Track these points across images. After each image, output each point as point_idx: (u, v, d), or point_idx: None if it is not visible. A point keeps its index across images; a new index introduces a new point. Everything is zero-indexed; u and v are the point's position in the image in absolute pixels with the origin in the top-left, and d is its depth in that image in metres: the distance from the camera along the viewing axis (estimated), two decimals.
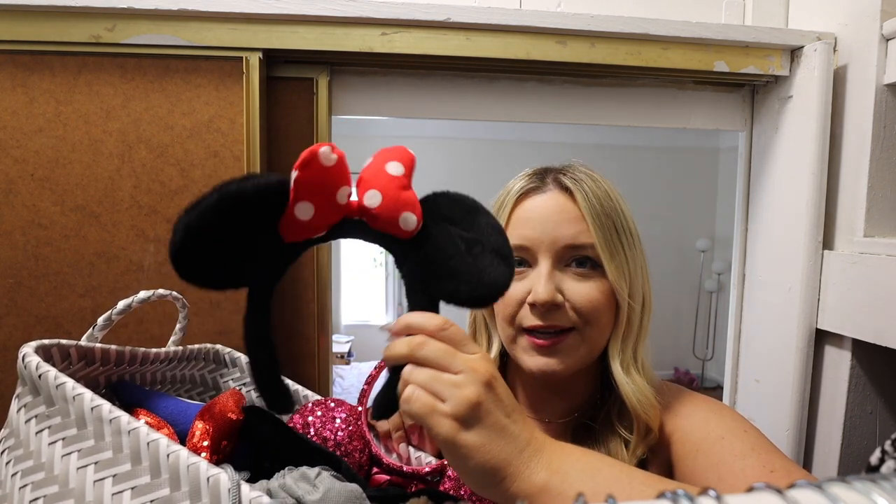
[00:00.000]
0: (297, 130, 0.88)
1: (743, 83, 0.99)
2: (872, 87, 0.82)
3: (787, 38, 0.89)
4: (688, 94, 1.00)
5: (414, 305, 0.40)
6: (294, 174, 0.34)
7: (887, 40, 0.81)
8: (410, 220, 0.38)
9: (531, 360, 0.52)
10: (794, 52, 0.91)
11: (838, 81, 0.88)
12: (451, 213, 0.40)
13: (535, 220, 0.52)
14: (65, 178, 0.79)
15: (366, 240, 0.39)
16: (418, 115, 0.95)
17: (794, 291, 0.91)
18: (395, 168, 0.38)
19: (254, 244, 0.36)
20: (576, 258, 0.51)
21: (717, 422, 0.49)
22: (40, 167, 0.79)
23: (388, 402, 0.38)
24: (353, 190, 0.38)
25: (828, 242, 0.90)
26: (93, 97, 0.79)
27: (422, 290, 0.40)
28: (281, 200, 0.35)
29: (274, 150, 0.87)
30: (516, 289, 0.52)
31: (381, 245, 0.40)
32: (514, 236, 0.53)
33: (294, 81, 0.87)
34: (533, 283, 0.51)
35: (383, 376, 0.41)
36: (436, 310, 0.40)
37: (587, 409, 0.57)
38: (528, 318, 0.51)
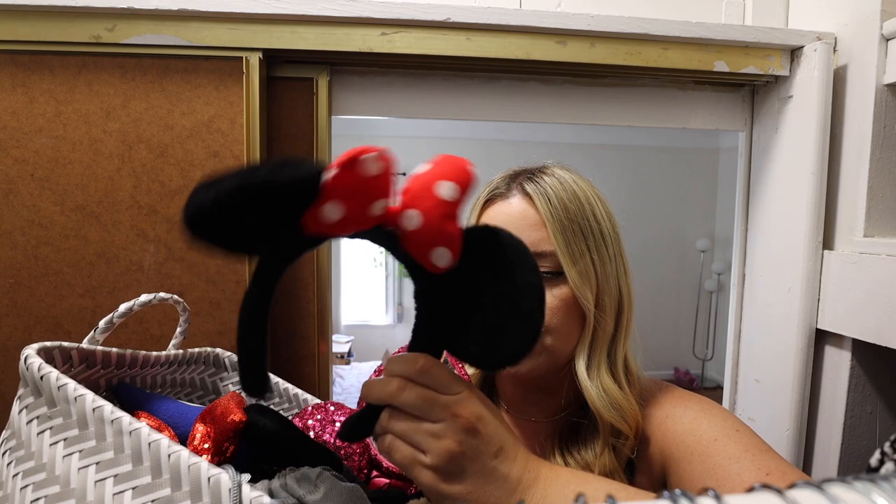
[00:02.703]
0: (297, 130, 0.88)
1: (743, 83, 0.99)
2: (872, 87, 0.82)
3: (787, 38, 0.89)
4: (688, 94, 1.00)
5: (414, 346, 0.37)
6: (331, 172, 0.31)
7: (887, 40, 0.81)
8: (444, 256, 0.34)
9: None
10: (794, 52, 0.92)
11: (838, 81, 0.88)
12: (493, 259, 0.35)
13: (502, 225, 0.52)
14: (65, 178, 0.79)
15: (392, 254, 0.36)
16: (418, 115, 0.95)
17: (794, 291, 0.91)
18: (447, 190, 0.33)
19: (273, 229, 0.33)
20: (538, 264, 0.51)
21: (708, 423, 0.49)
22: (40, 167, 0.79)
23: (359, 431, 0.37)
24: (395, 199, 0.34)
25: (828, 242, 0.90)
26: (93, 97, 0.79)
27: (429, 334, 0.37)
28: (311, 193, 0.31)
29: (274, 150, 0.87)
30: None
31: (406, 266, 0.36)
32: None
33: (294, 81, 0.87)
34: None
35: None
36: (438, 355, 0.37)
37: (574, 408, 0.57)
38: None
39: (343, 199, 0.31)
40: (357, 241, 0.36)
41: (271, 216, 0.32)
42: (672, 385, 0.57)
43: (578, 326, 0.53)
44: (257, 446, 0.43)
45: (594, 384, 0.52)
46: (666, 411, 0.52)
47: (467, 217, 0.55)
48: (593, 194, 0.54)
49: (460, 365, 0.58)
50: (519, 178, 0.54)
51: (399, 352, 0.42)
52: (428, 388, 0.35)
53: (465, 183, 0.34)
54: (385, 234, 0.34)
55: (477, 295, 0.35)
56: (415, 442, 0.34)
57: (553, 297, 0.50)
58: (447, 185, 0.33)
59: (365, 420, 0.36)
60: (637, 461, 0.52)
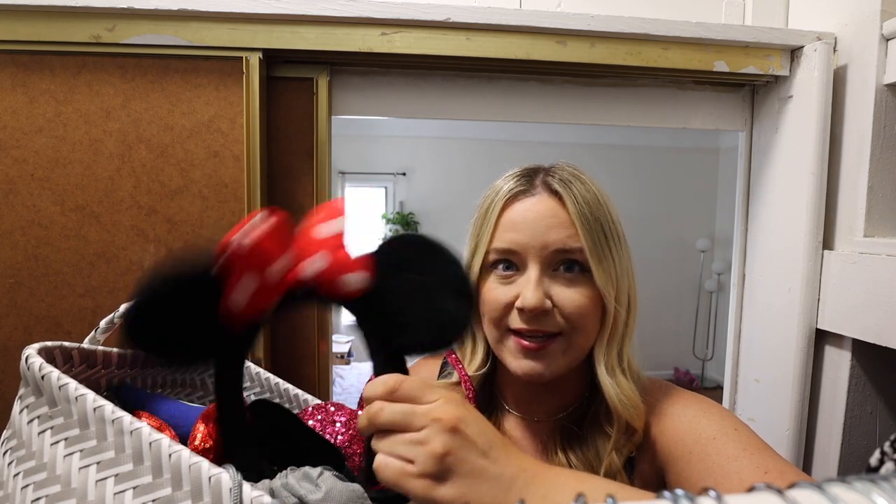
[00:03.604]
0: (297, 130, 0.88)
1: (743, 83, 0.99)
2: (872, 87, 0.82)
3: (787, 38, 0.89)
4: (688, 94, 1.00)
5: (377, 368, 0.39)
6: (218, 263, 0.33)
7: (887, 40, 0.81)
8: (354, 280, 0.37)
9: (517, 364, 0.52)
10: (794, 52, 0.92)
11: (838, 81, 0.88)
12: (405, 259, 0.38)
13: (525, 224, 0.52)
14: (65, 178, 0.79)
15: (322, 306, 0.39)
16: (418, 115, 0.95)
17: (794, 291, 0.91)
18: (326, 229, 0.36)
19: (199, 331, 0.35)
20: (564, 263, 0.52)
21: (707, 422, 0.49)
22: (40, 167, 0.79)
23: (371, 472, 0.38)
24: (288, 262, 0.36)
25: (828, 242, 0.90)
26: (93, 97, 0.79)
27: (383, 349, 0.39)
28: (212, 288, 0.33)
29: (274, 150, 0.87)
30: (505, 293, 0.52)
31: (340, 306, 0.39)
32: (503, 240, 0.53)
33: (294, 81, 0.87)
34: (521, 289, 0.51)
35: None
36: (402, 366, 0.39)
37: (575, 407, 0.57)
38: (516, 321, 0.51)
39: (239, 282, 0.33)
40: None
41: (186, 316, 0.34)
42: (670, 384, 0.57)
43: (599, 324, 0.53)
44: (261, 443, 0.43)
45: (612, 381, 0.52)
46: (665, 410, 0.53)
47: (485, 216, 0.55)
48: (607, 196, 0.55)
49: (461, 366, 0.58)
50: (539, 176, 0.54)
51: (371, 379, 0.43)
52: (404, 403, 0.36)
53: (338, 216, 0.38)
54: (301, 294, 0.37)
55: (404, 296, 0.38)
56: (401, 455, 0.34)
57: (581, 295, 0.51)
58: (324, 225, 0.37)
59: (369, 457, 0.38)
60: (636, 460, 0.52)
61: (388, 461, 0.35)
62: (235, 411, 0.37)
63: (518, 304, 0.51)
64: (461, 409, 0.36)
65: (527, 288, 0.50)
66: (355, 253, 0.37)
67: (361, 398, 0.57)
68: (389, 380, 0.37)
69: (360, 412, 0.57)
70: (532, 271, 0.51)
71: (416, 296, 0.38)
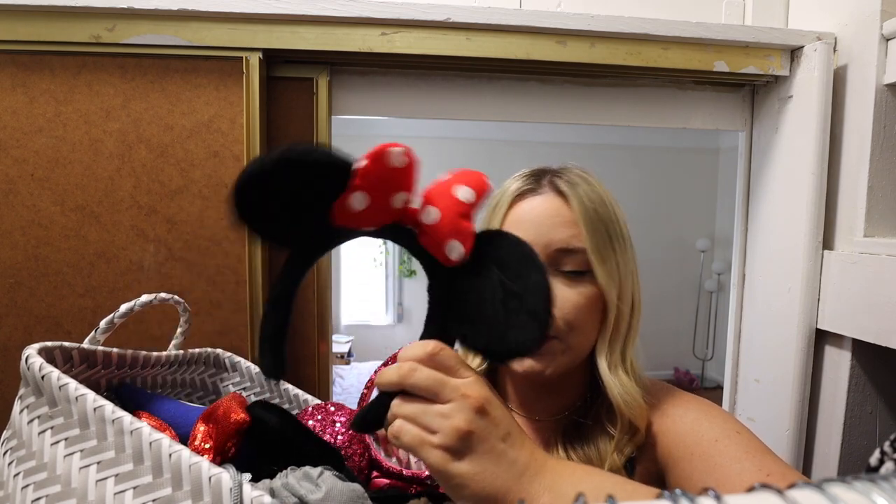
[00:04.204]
0: (297, 130, 0.88)
1: (743, 83, 0.99)
2: (872, 87, 0.82)
3: (787, 38, 0.89)
4: (688, 94, 1.00)
5: (427, 334, 0.39)
6: (361, 162, 0.34)
7: (887, 40, 0.81)
8: (457, 249, 0.37)
9: (517, 362, 0.52)
10: (794, 52, 0.92)
11: (838, 81, 0.88)
12: (503, 258, 0.38)
13: (530, 222, 0.53)
14: (65, 178, 0.79)
15: (409, 251, 0.38)
16: (418, 115, 0.95)
17: (794, 291, 0.91)
18: (464, 193, 0.37)
19: (304, 213, 0.35)
20: (567, 262, 0.52)
21: (709, 423, 0.49)
22: (40, 167, 0.79)
23: (372, 420, 0.38)
24: (416, 199, 0.37)
25: (828, 242, 0.90)
26: (93, 97, 0.79)
27: (441, 324, 0.38)
28: (340, 182, 0.34)
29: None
30: None
31: (421, 262, 0.39)
32: None
33: (294, 81, 0.87)
34: None
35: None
36: (450, 344, 0.39)
37: (578, 407, 0.57)
38: None
39: (369, 189, 0.34)
40: (376, 239, 0.39)
41: (304, 197, 0.34)
42: (671, 385, 0.58)
43: (599, 324, 0.54)
44: (261, 444, 0.43)
45: (615, 380, 0.52)
46: (666, 411, 0.53)
47: (492, 214, 0.56)
48: (613, 198, 0.56)
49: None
50: (547, 177, 0.55)
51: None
52: (438, 371, 0.36)
53: (480, 189, 0.38)
54: (403, 231, 0.37)
55: (486, 290, 0.37)
56: (424, 423, 0.34)
57: (580, 294, 0.51)
58: (464, 188, 0.37)
59: (376, 409, 0.37)
60: (636, 460, 0.52)
61: (408, 427, 0.35)
62: (284, 306, 0.37)
63: None
64: (488, 391, 0.36)
65: None
66: (471, 227, 0.38)
67: (362, 397, 0.57)
68: (430, 344, 0.36)
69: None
70: None
71: (496, 296, 0.37)
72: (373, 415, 0.37)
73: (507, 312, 0.37)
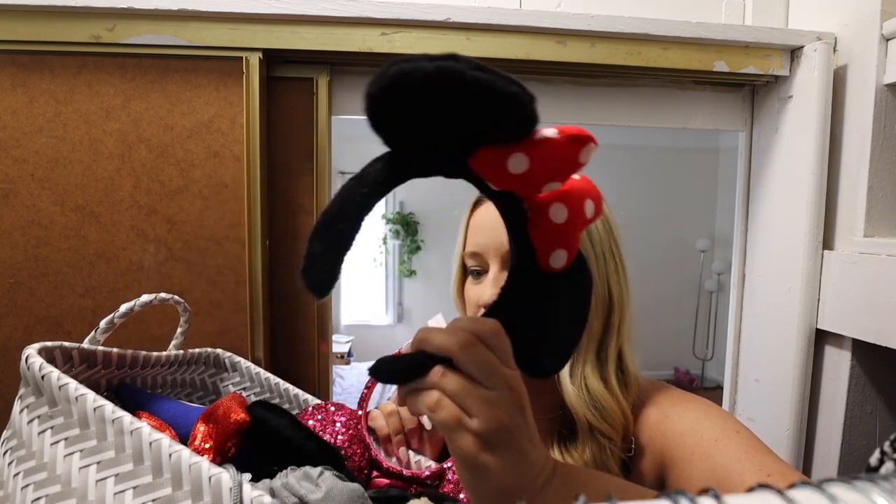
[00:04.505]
0: (297, 130, 0.88)
1: (743, 83, 0.99)
2: (872, 87, 0.82)
3: (787, 38, 0.89)
4: (688, 94, 1.00)
5: (491, 314, 0.37)
6: (550, 132, 0.30)
7: (887, 40, 0.81)
8: (562, 258, 0.35)
9: None
10: (794, 52, 0.92)
11: (838, 81, 0.88)
12: (578, 284, 0.37)
13: (485, 227, 0.54)
14: (65, 178, 0.79)
15: (510, 230, 0.35)
16: None
17: (794, 291, 0.91)
18: (589, 208, 0.35)
19: (453, 138, 0.31)
20: None
21: (708, 424, 0.49)
22: (40, 167, 0.79)
23: (397, 374, 0.34)
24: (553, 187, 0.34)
25: (828, 242, 0.90)
26: (93, 97, 0.79)
27: (511, 317, 0.36)
28: (514, 135, 0.30)
29: (274, 150, 0.87)
30: (476, 293, 0.55)
31: (517, 249, 0.36)
32: (470, 244, 0.56)
33: (294, 81, 0.87)
34: (485, 288, 0.54)
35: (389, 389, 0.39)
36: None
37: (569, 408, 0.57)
38: None
39: (537, 161, 0.31)
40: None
41: (474, 123, 0.30)
42: (670, 385, 0.57)
43: None
44: (261, 444, 0.43)
45: (575, 383, 0.52)
46: (665, 411, 0.53)
47: (461, 224, 0.58)
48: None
49: None
50: None
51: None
52: (493, 354, 0.34)
53: (598, 211, 0.36)
54: (516, 205, 0.34)
55: (562, 307, 0.36)
56: (465, 404, 0.32)
57: None
58: (590, 203, 0.35)
59: (409, 366, 0.33)
60: (634, 461, 0.52)
61: (447, 403, 0.32)
62: (356, 215, 0.31)
63: (479, 303, 0.53)
64: (526, 391, 0.35)
65: (486, 287, 0.53)
66: (580, 243, 0.36)
67: (362, 397, 0.57)
68: (494, 323, 0.34)
69: (363, 409, 0.57)
70: (492, 271, 0.53)
71: (566, 315, 0.36)
72: (402, 369, 0.34)
73: (564, 333, 0.36)
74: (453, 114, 0.29)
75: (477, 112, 0.29)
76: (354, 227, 0.30)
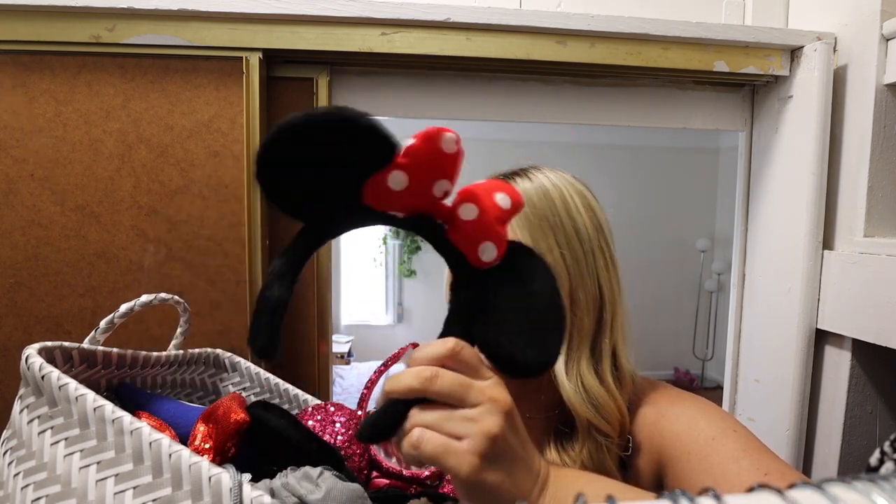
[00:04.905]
0: None
1: (743, 83, 0.99)
2: (872, 87, 0.82)
3: (787, 38, 0.89)
4: (688, 94, 1.00)
5: (447, 333, 0.36)
6: (409, 141, 0.32)
7: (887, 40, 0.81)
8: (491, 251, 0.35)
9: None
10: (794, 52, 0.92)
11: (838, 81, 0.88)
12: (529, 272, 0.37)
13: None
14: (65, 178, 0.79)
15: (434, 245, 0.36)
16: (418, 115, 0.95)
17: (794, 291, 0.91)
18: (502, 200, 0.36)
19: (334, 184, 0.33)
20: None
21: (706, 423, 0.49)
22: (40, 167, 0.79)
23: (384, 429, 0.34)
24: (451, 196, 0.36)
25: (828, 242, 0.90)
26: (93, 97, 0.79)
27: (466, 325, 0.36)
28: (383, 157, 0.32)
29: None
30: None
31: (448, 260, 0.36)
32: None
33: (294, 81, 0.87)
34: None
35: (381, 383, 0.39)
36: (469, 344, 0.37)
37: (567, 406, 0.57)
38: None
39: (412, 169, 0.32)
40: (335, 242, 0.37)
41: (340, 165, 0.32)
42: (667, 384, 0.57)
43: None
44: (261, 444, 0.43)
45: (571, 380, 0.51)
46: (662, 410, 0.52)
47: None
48: (572, 191, 0.54)
49: None
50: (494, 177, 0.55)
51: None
52: (460, 372, 0.33)
53: (517, 201, 0.36)
54: (431, 223, 0.36)
55: (518, 299, 0.36)
56: (448, 430, 0.32)
57: None
58: (502, 195, 0.36)
59: (389, 417, 0.34)
60: (631, 460, 0.52)
61: (430, 436, 0.32)
62: (287, 282, 0.33)
63: None
64: (509, 394, 0.34)
65: None
66: (507, 232, 0.37)
67: (361, 397, 0.57)
68: (450, 342, 0.34)
69: (363, 409, 0.57)
70: None
71: (527, 307, 0.36)
72: (385, 424, 0.34)
73: (530, 326, 0.35)
74: (328, 155, 0.32)
75: (347, 148, 0.32)
76: (282, 296, 0.33)
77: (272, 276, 0.34)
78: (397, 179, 0.32)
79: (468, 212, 0.35)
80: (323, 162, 0.32)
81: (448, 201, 0.35)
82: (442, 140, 0.32)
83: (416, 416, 0.33)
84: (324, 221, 0.34)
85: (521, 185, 0.53)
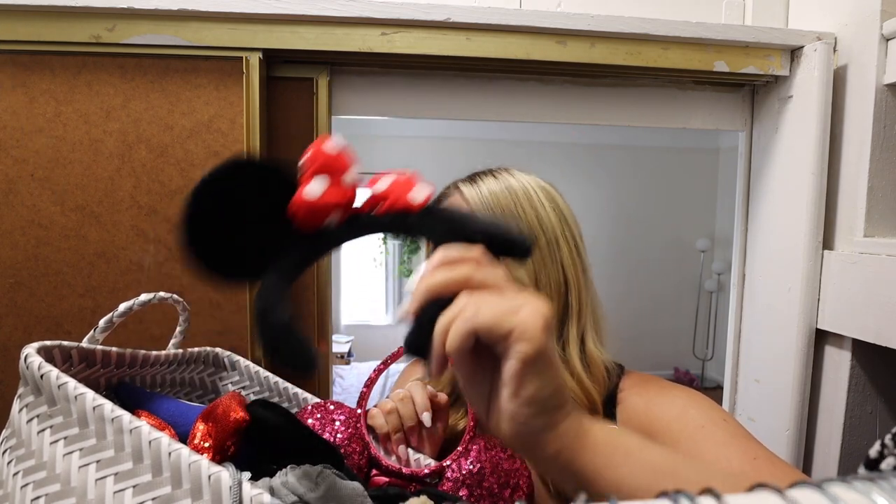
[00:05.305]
0: (297, 130, 0.88)
1: (743, 83, 0.99)
2: (872, 87, 0.82)
3: (787, 38, 0.89)
4: (688, 94, 1.00)
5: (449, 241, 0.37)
6: (302, 157, 0.35)
7: (887, 40, 0.81)
8: (421, 191, 0.38)
9: None
10: (794, 52, 0.92)
11: (838, 81, 0.88)
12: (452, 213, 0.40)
13: None
14: (65, 178, 0.79)
15: (379, 230, 0.38)
16: (418, 115, 0.95)
17: (794, 291, 0.91)
18: (391, 176, 0.39)
19: (262, 231, 0.35)
20: None
21: (696, 411, 0.50)
22: (40, 167, 0.79)
23: (424, 341, 0.32)
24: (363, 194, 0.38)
25: (828, 242, 0.90)
26: (93, 97, 0.79)
27: (451, 236, 0.36)
28: (291, 181, 0.34)
29: (274, 150, 0.87)
30: None
31: (394, 230, 0.38)
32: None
33: (294, 81, 0.87)
34: None
35: (381, 379, 0.39)
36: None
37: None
38: None
39: (321, 171, 0.36)
40: (358, 241, 0.39)
41: (252, 206, 0.35)
42: (657, 377, 0.59)
43: None
44: (261, 442, 0.43)
45: None
46: (652, 400, 0.53)
47: None
48: (536, 187, 0.57)
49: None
50: (459, 180, 0.60)
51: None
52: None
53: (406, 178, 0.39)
54: (364, 218, 0.38)
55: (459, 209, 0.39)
56: (504, 301, 0.30)
57: None
58: (389, 175, 0.40)
59: (424, 327, 0.32)
60: None
61: (489, 299, 0.30)
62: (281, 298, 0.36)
63: None
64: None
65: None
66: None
67: (361, 396, 0.57)
68: (476, 250, 0.33)
69: (362, 407, 0.57)
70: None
71: (465, 217, 0.39)
72: (425, 334, 0.32)
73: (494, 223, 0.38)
74: (240, 212, 0.35)
75: (253, 194, 0.35)
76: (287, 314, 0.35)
77: (267, 286, 0.35)
78: (315, 186, 0.35)
79: (380, 185, 0.38)
80: (245, 213, 0.34)
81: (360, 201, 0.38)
82: (326, 144, 0.36)
83: (462, 299, 0.31)
84: (275, 269, 0.36)
85: (488, 183, 0.56)
